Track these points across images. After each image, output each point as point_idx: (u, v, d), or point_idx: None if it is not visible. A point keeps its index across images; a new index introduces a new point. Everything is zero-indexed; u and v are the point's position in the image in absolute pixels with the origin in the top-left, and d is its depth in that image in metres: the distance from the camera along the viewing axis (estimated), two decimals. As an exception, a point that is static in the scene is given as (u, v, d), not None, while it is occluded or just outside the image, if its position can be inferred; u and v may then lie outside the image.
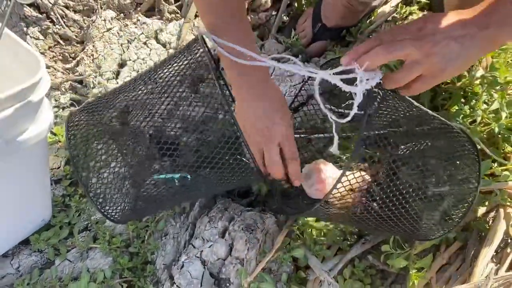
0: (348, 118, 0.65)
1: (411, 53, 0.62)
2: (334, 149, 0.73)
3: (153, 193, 0.96)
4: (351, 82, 0.64)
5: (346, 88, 0.62)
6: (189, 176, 0.98)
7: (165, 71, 0.91)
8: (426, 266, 0.91)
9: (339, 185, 0.69)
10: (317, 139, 1.07)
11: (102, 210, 0.87)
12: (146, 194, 0.96)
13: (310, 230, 0.95)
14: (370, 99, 0.65)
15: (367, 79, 0.62)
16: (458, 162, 0.88)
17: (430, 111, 0.83)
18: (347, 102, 0.87)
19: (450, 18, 0.64)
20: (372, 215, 0.79)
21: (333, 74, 0.64)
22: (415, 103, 0.80)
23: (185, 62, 0.89)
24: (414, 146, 0.81)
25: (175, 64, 0.90)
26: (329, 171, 0.89)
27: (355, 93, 0.63)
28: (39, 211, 0.98)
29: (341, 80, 0.64)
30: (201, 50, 0.81)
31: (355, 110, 0.63)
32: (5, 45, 0.72)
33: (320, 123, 1.08)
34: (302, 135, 1.08)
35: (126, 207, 0.93)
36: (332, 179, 0.88)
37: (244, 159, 0.91)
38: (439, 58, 0.62)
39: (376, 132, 0.78)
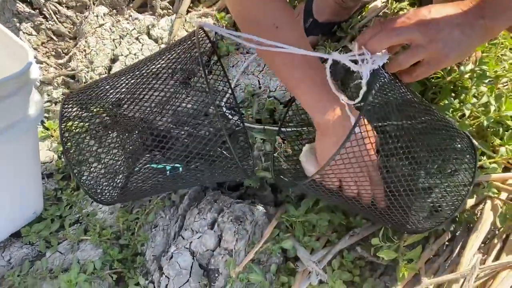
0: (359, 99, 0.69)
1: (416, 38, 0.66)
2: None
3: (143, 179, 0.97)
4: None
5: (354, 67, 0.67)
6: (180, 168, 0.99)
7: (157, 64, 0.91)
8: (415, 257, 0.92)
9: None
10: (308, 132, 1.08)
11: (87, 189, 0.88)
12: (136, 179, 0.97)
13: (299, 221, 0.95)
14: (376, 77, 0.68)
15: (374, 60, 0.66)
16: (448, 156, 0.89)
17: (426, 101, 0.85)
18: (355, 82, 0.90)
19: (452, 8, 0.68)
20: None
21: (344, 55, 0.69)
22: (412, 91, 0.83)
23: (179, 55, 0.90)
24: (405, 136, 0.82)
25: (167, 57, 0.91)
26: None
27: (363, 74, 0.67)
28: (31, 203, 0.98)
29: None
30: (196, 48, 0.81)
31: (364, 89, 0.66)
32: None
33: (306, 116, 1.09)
34: (294, 129, 1.09)
35: (114, 192, 0.94)
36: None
37: (229, 155, 0.92)
38: (443, 44, 0.66)
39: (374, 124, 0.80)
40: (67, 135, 0.90)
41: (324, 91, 0.76)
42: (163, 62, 0.96)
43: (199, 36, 0.85)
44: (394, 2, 1.30)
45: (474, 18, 0.67)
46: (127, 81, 0.96)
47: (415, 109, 0.85)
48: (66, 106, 0.90)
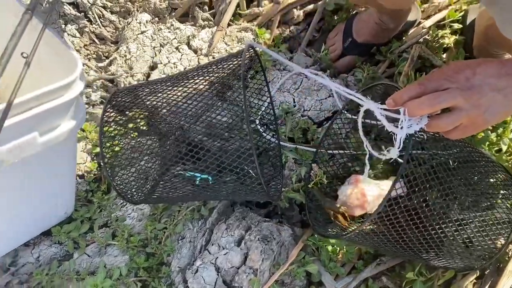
0: (388, 157, 0.69)
1: (459, 103, 0.64)
2: (364, 176, 0.78)
3: (172, 186, 0.98)
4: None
5: (389, 128, 0.65)
6: (210, 178, 1.00)
7: (199, 76, 0.93)
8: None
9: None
10: (339, 154, 1.07)
11: (119, 190, 0.89)
12: (166, 185, 0.98)
13: (325, 246, 0.95)
14: (411, 140, 0.67)
15: (411, 125, 0.65)
16: (483, 189, 0.88)
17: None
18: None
19: (496, 68, 0.66)
20: (400, 238, 0.79)
21: (379, 108, 0.67)
22: None
23: (222, 70, 0.91)
24: (439, 166, 0.81)
25: (211, 70, 0.92)
26: (368, 188, 0.90)
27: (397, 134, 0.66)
28: (63, 204, 1.00)
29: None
30: (242, 60, 0.82)
31: (396, 153, 0.65)
32: (46, 42, 0.75)
33: (343, 140, 1.08)
34: (327, 150, 1.08)
35: (143, 191, 0.95)
36: (372, 196, 0.90)
37: (253, 173, 0.92)
38: (485, 109, 0.64)
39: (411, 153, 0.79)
40: (105, 140, 0.92)
41: None
42: (205, 74, 0.97)
43: (247, 55, 0.85)
44: (436, 29, 1.28)
45: None
46: (166, 89, 0.97)
47: (450, 140, 0.84)
48: (108, 111, 0.91)
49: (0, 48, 0.89)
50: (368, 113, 0.72)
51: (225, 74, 0.96)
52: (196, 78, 0.96)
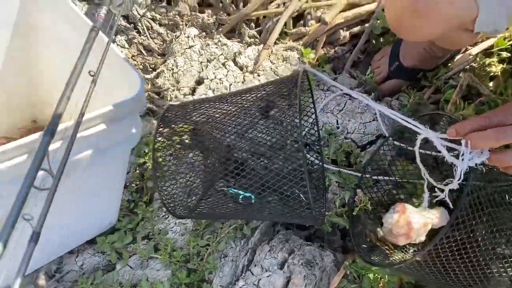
0: (446, 191, 0.68)
1: None
2: (424, 205, 0.77)
3: (215, 202, 0.99)
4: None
5: (450, 159, 0.64)
6: (253, 197, 1.00)
7: (249, 95, 0.94)
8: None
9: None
10: (384, 181, 1.07)
11: (166, 203, 0.91)
12: (208, 201, 0.99)
13: (367, 274, 0.94)
14: (471, 173, 0.67)
15: (472, 157, 0.64)
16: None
17: None
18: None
19: None
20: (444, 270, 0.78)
21: (439, 138, 0.67)
22: None
23: (272, 91, 0.92)
24: (486, 197, 0.81)
25: (261, 90, 0.93)
26: (414, 217, 0.90)
27: (457, 166, 0.66)
28: (109, 214, 1.02)
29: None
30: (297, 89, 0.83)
31: (455, 185, 0.65)
32: (109, 60, 0.77)
33: (388, 167, 1.08)
34: (372, 176, 1.08)
35: (187, 205, 0.97)
36: (418, 225, 0.89)
37: (305, 198, 0.92)
38: None
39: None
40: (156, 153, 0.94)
41: None
42: (253, 94, 0.98)
43: (300, 78, 0.86)
44: (484, 57, 1.27)
45: None
46: (214, 105, 0.99)
47: (504, 174, 0.83)
48: (160, 126, 0.93)
49: (62, 62, 0.92)
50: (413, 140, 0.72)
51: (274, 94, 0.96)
52: (244, 95, 0.98)
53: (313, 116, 1.22)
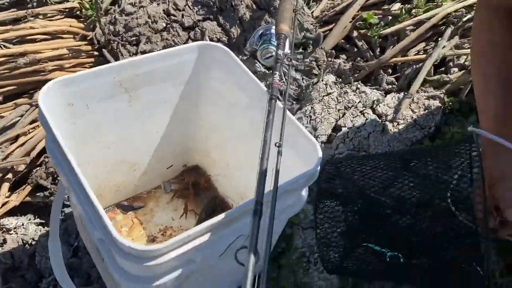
0: None
1: None
2: None
3: (361, 257, 0.98)
4: None
5: None
6: (401, 257, 0.97)
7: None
8: None
9: None
10: None
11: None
12: (354, 254, 0.99)
13: None
14: None
15: None
16: None
17: None
18: None
19: None
20: None
21: None
22: None
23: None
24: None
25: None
26: None
27: None
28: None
29: None
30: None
31: None
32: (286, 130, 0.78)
33: None
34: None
35: (334, 260, 0.97)
36: None
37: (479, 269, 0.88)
38: None
39: None
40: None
41: None
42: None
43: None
44: None
45: None
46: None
47: None
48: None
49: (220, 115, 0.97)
50: None
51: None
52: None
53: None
